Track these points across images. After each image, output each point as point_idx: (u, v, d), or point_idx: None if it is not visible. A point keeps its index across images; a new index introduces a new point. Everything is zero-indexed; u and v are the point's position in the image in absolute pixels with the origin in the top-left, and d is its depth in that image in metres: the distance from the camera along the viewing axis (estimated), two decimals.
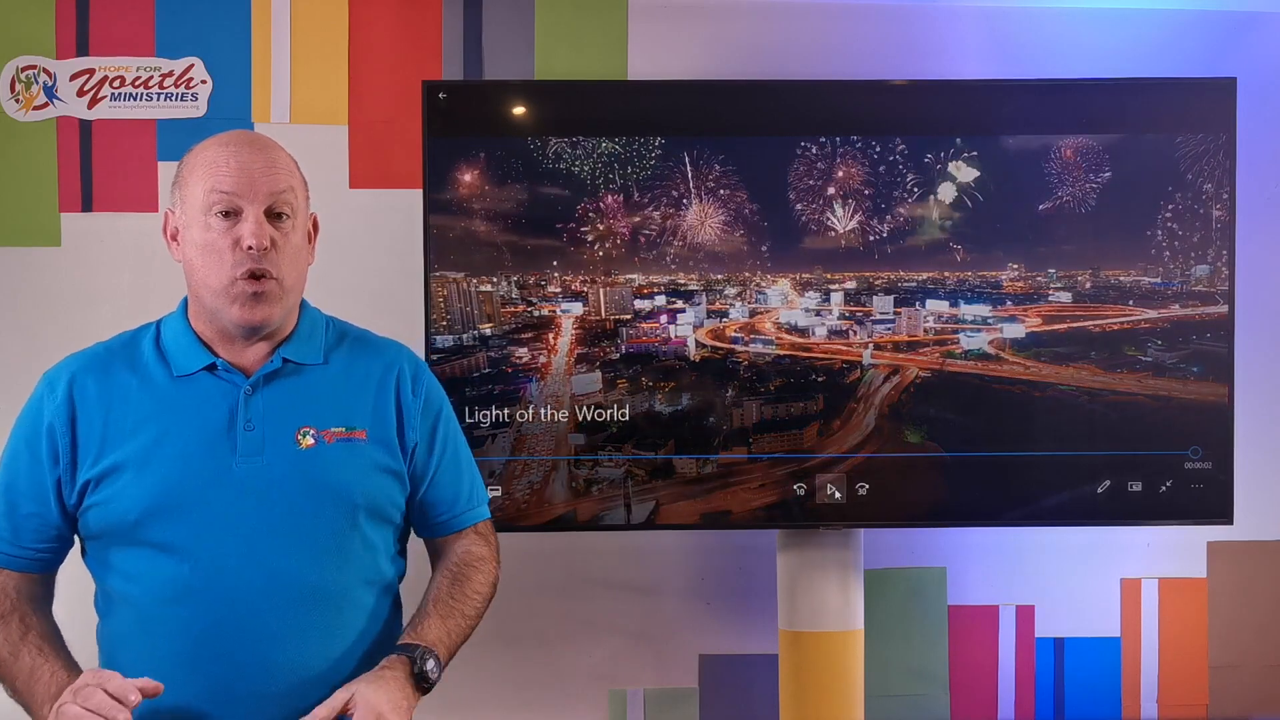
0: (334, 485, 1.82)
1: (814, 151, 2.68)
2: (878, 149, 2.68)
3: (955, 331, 2.70)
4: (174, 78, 2.93)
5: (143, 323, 2.90)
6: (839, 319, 2.70)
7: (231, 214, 1.75)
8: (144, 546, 1.76)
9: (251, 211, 1.75)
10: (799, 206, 2.69)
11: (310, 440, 1.81)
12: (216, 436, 1.78)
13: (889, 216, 2.69)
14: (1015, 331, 2.70)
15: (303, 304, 1.89)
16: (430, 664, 1.80)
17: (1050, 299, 2.70)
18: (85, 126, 2.93)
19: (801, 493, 2.68)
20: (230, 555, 1.76)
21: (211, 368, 1.81)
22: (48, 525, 1.83)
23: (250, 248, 1.74)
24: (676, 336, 2.69)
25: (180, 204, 1.79)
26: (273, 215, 1.77)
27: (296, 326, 1.87)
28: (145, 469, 1.76)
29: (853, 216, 2.69)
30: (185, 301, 1.87)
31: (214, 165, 1.75)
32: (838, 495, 2.68)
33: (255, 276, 1.75)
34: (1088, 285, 2.70)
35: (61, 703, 1.62)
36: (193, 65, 2.93)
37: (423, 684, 1.79)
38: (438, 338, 2.64)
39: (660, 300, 2.69)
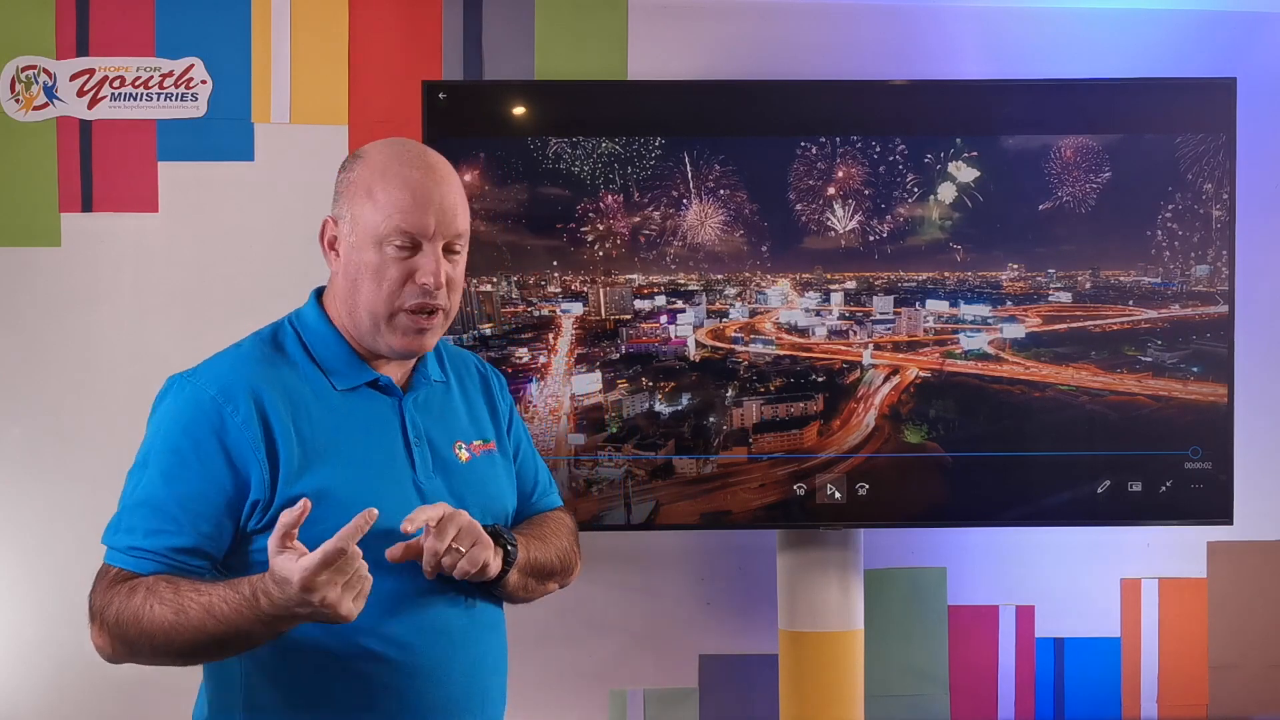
0: (493, 495, 1.84)
1: (814, 151, 2.68)
2: (878, 149, 2.68)
3: (955, 331, 2.70)
4: (174, 78, 2.93)
5: (142, 323, 2.93)
6: (839, 319, 2.70)
7: (409, 247, 1.72)
8: None
9: (430, 249, 1.71)
10: (799, 206, 2.69)
11: (465, 454, 1.82)
12: (398, 454, 1.76)
13: (889, 216, 2.69)
14: (1015, 331, 2.70)
15: None
16: (511, 547, 1.76)
17: (1050, 299, 2.70)
18: (85, 126, 2.93)
19: (801, 493, 2.68)
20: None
21: (374, 383, 1.78)
22: (215, 540, 1.69)
23: (426, 286, 1.71)
24: (676, 336, 2.69)
25: (350, 221, 1.73)
26: (447, 250, 1.75)
27: None
28: (345, 488, 1.70)
29: (853, 216, 2.69)
30: (319, 309, 1.80)
31: (398, 198, 1.70)
32: (838, 495, 2.68)
33: (425, 311, 1.73)
34: (1087, 285, 2.70)
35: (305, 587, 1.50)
36: (193, 65, 2.93)
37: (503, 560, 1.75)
38: None
39: (660, 300, 2.69)
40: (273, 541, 1.53)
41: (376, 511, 1.54)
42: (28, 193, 2.92)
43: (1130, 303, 2.70)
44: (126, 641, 1.64)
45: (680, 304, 2.69)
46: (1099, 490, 2.68)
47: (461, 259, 1.79)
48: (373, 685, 1.71)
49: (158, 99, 2.94)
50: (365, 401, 1.76)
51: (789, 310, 2.70)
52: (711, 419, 2.68)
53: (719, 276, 2.69)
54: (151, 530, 1.66)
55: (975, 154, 2.68)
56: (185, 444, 1.68)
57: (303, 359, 1.76)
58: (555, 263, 2.67)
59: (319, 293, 1.84)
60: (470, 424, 1.87)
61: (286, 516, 1.52)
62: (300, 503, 1.53)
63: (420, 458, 1.77)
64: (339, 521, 1.56)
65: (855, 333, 2.70)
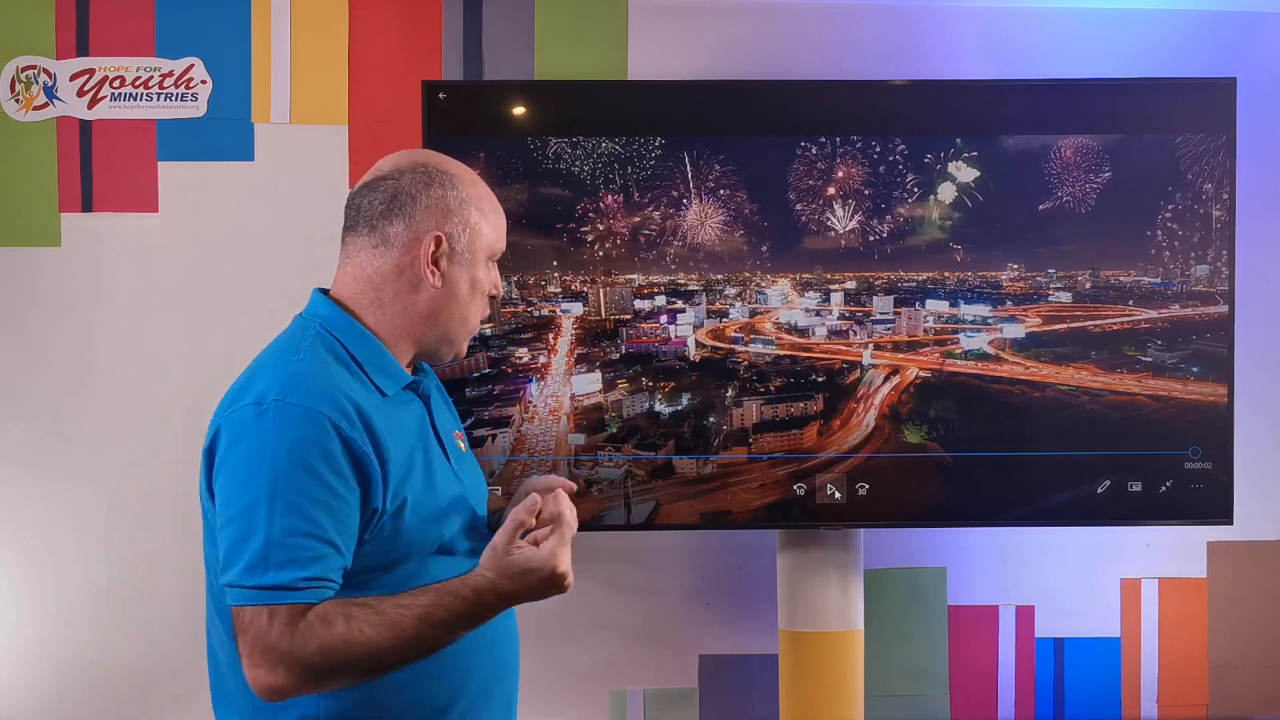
0: (482, 478, 1.92)
1: (814, 151, 2.68)
2: (878, 149, 2.68)
3: (955, 331, 2.70)
4: (174, 78, 2.93)
5: (142, 323, 2.93)
6: (839, 319, 2.70)
7: (496, 263, 1.86)
8: (450, 556, 1.76)
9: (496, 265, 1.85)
10: (799, 206, 2.69)
11: (463, 444, 1.88)
12: (438, 448, 1.80)
13: (889, 216, 2.69)
14: (1015, 331, 2.70)
15: None
16: None
17: (1050, 299, 2.70)
18: (85, 126, 2.93)
19: (801, 493, 2.68)
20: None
21: (409, 385, 1.79)
22: (356, 553, 1.68)
23: (500, 297, 1.88)
24: (676, 336, 2.69)
25: (469, 239, 1.77)
26: None
27: None
28: (425, 487, 1.74)
29: (853, 217, 2.69)
30: (346, 316, 1.76)
31: (501, 219, 1.84)
32: (838, 495, 2.68)
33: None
34: (1087, 285, 2.70)
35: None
36: (193, 65, 2.93)
37: None
38: None
39: (660, 300, 2.69)
40: (505, 540, 1.66)
41: (573, 484, 1.81)
42: (28, 193, 2.93)
43: (1130, 303, 2.70)
44: (324, 673, 1.62)
45: (680, 304, 2.69)
46: (1099, 490, 2.68)
47: None
48: (445, 657, 1.74)
49: (158, 99, 2.94)
50: (405, 403, 1.77)
51: (789, 310, 2.70)
52: (711, 419, 2.68)
53: (719, 276, 2.69)
54: (313, 557, 1.61)
55: (975, 154, 2.68)
56: (318, 463, 1.63)
57: (357, 370, 1.73)
58: (555, 263, 2.67)
59: (325, 293, 1.81)
60: (451, 416, 1.94)
61: (523, 514, 1.66)
62: (530, 498, 1.68)
63: (449, 449, 1.83)
64: (424, 520, 1.70)
65: (855, 333, 2.70)
